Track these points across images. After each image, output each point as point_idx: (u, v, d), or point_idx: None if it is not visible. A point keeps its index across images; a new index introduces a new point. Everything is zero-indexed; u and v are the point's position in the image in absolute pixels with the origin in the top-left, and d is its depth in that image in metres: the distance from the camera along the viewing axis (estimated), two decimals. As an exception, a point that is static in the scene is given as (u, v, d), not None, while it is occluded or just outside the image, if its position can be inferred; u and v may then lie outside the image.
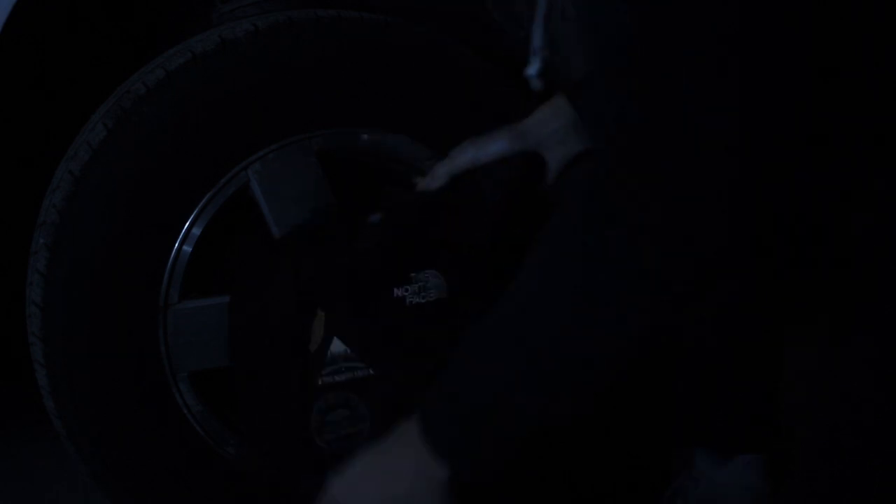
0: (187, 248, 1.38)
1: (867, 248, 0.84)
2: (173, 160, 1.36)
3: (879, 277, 0.83)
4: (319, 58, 1.41)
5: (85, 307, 1.35)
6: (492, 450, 0.92)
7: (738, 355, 1.32)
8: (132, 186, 1.35)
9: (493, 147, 1.21)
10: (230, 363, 1.40)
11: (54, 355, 1.36)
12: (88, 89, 1.57)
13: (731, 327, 1.28)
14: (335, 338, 1.32)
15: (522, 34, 1.16)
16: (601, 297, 0.81)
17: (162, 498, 1.43)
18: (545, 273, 0.86)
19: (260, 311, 1.35)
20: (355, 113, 1.44)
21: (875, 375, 0.85)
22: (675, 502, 1.42)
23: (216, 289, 1.41)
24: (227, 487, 1.45)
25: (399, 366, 1.32)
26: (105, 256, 1.35)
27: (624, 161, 0.79)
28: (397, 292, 1.31)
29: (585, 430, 1.35)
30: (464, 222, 1.37)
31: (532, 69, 1.05)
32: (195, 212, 1.38)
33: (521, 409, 0.89)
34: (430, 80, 1.46)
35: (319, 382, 1.32)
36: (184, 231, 1.38)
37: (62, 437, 1.42)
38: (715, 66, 0.74)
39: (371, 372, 1.33)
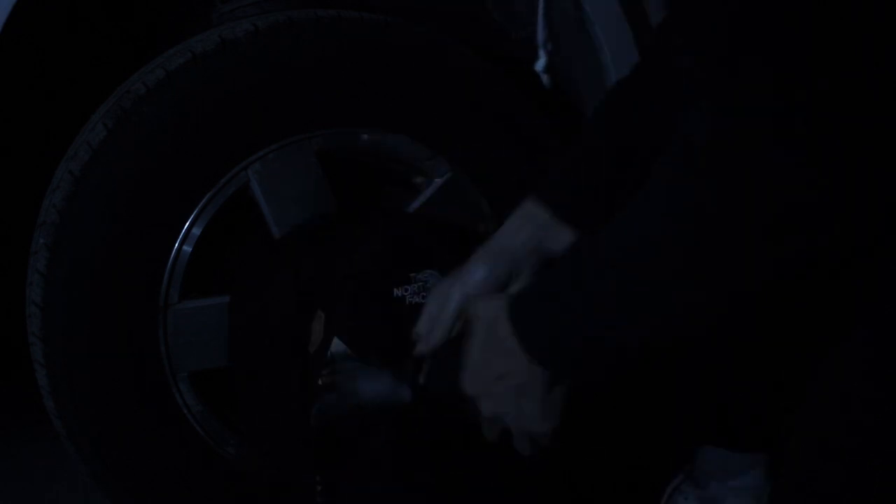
0: (187, 248, 1.38)
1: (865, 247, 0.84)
2: (173, 160, 1.36)
3: (878, 275, 0.83)
4: (319, 58, 1.41)
5: (85, 307, 1.35)
6: (589, 361, 0.92)
7: (739, 353, 1.32)
8: (132, 186, 1.35)
9: (475, 278, 1.17)
10: (230, 363, 1.40)
11: (54, 355, 1.36)
12: (88, 89, 1.57)
13: (736, 322, 1.27)
14: (335, 338, 1.32)
15: (523, 34, 1.17)
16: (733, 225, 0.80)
17: (162, 498, 1.43)
18: (670, 196, 0.83)
19: (260, 311, 1.36)
20: (355, 113, 1.44)
21: (873, 374, 0.85)
22: (676, 501, 1.42)
23: (216, 289, 1.41)
24: (227, 487, 1.45)
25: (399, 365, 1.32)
26: (105, 256, 1.35)
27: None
28: (397, 292, 1.31)
29: (585, 429, 1.35)
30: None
31: (539, 64, 1.04)
32: (195, 212, 1.38)
33: (627, 328, 0.87)
34: (430, 80, 1.46)
35: (319, 382, 1.32)
36: (184, 231, 1.38)
37: (62, 437, 1.42)
38: None
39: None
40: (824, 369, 0.90)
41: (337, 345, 1.31)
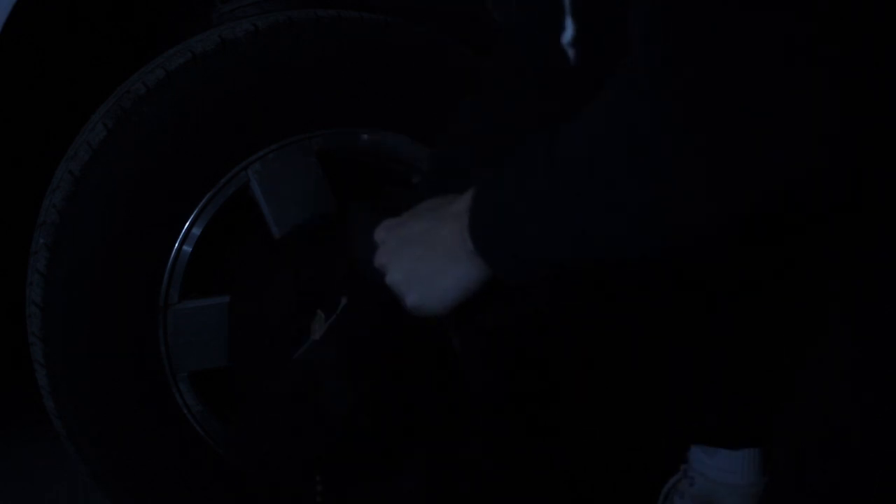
0: (187, 248, 1.39)
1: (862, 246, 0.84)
2: (173, 160, 1.36)
3: (859, 270, 0.84)
4: (319, 58, 1.41)
5: (85, 307, 1.35)
6: (534, 264, 0.89)
7: (736, 349, 1.32)
8: (132, 186, 1.35)
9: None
10: (230, 363, 1.40)
11: (54, 355, 1.36)
12: (88, 89, 1.57)
13: (728, 315, 1.28)
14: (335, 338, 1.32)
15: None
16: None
17: (162, 498, 1.43)
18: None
19: (260, 311, 1.36)
20: (355, 113, 1.44)
21: (858, 371, 0.85)
22: (673, 500, 1.42)
23: (216, 289, 1.41)
24: (227, 487, 1.45)
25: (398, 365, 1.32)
26: (105, 256, 1.35)
27: None
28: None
29: (584, 429, 1.35)
30: None
31: (567, 36, 1.00)
32: (195, 212, 1.38)
33: (581, 229, 0.84)
34: (431, 80, 1.46)
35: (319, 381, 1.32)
36: (184, 231, 1.38)
37: (62, 437, 1.42)
38: None
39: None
40: (811, 366, 0.90)
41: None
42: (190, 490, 1.44)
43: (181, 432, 1.42)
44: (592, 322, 1.29)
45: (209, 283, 1.42)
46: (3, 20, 1.42)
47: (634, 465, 1.51)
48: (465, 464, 1.28)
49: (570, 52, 0.98)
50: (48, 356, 1.36)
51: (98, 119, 1.36)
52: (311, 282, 1.33)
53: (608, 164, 0.79)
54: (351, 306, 1.22)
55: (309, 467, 1.32)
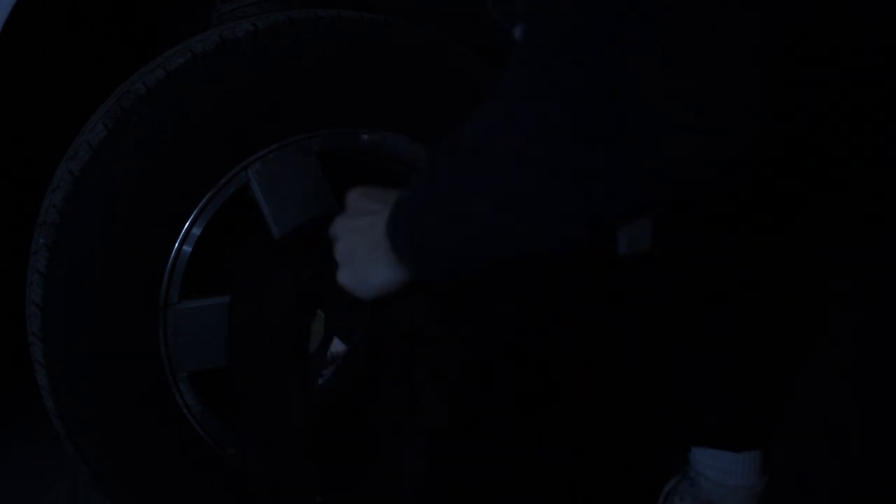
0: (187, 248, 1.39)
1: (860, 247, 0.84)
2: (173, 160, 1.36)
3: (873, 274, 0.84)
4: (319, 58, 1.41)
5: (85, 307, 1.35)
6: (446, 259, 0.93)
7: (736, 350, 1.32)
8: (132, 186, 1.35)
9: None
10: (230, 363, 1.40)
11: (54, 355, 1.36)
12: (88, 89, 1.57)
13: (728, 315, 1.28)
14: (335, 338, 1.32)
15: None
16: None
17: (162, 498, 1.43)
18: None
19: (260, 311, 1.36)
20: (355, 113, 1.44)
21: (857, 373, 0.85)
22: (673, 501, 1.42)
23: (216, 289, 1.41)
24: (227, 487, 1.45)
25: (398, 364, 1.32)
26: (105, 256, 1.35)
27: None
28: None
29: (584, 429, 1.35)
30: None
31: (518, 32, 1.03)
32: (195, 212, 1.38)
33: (491, 222, 0.84)
34: (431, 80, 1.46)
35: (320, 382, 1.32)
36: (184, 231, 1.38)
37: (62, 437, 1.42)
38: None
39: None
40: (811, 366, 0.90)
41: (337, 345, 1.31)
42: (190, 490, 1.44)
43: (181, 432, 1.42)
44: (593, 322, 1.30)
45: (209, 283, 1.42)
46: (3, 20, 1.42)
47: (635, 465, 1.51)
48: (465, 464, 1.28)
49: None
50: (48, 356, 1.36)
51: (98, 119, 1.36)
52: (311, 282, 1.33)
53: (498, 157, 0.81)
54: (363, 341, 1.23)
55: (309, 467, 1.32)
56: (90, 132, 1.36)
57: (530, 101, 0.77)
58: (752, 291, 1.26)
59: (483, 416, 1.27)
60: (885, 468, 0.84)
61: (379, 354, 1.20)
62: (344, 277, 1.11)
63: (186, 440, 1.43)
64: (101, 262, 1.35)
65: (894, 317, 0.82)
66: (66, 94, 1.70)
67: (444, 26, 1.53)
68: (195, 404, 1.42)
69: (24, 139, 1.67)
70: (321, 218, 1.42)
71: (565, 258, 1.10)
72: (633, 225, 1.18)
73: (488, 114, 0.84)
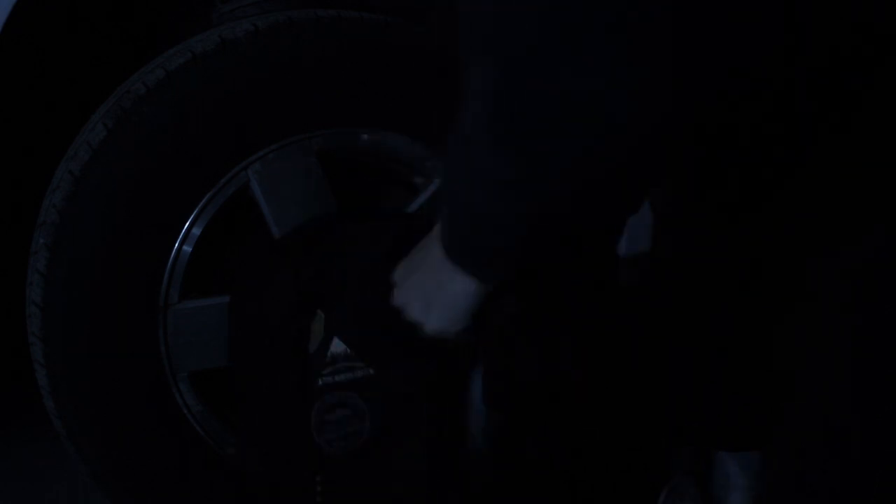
0: (187, 248, 1.39)
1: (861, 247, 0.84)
2: (173, 160, 1.36)
3: (873, 275, 0.84)
4: (319, 58, 1.41)
5: (85, 307, 1.35)
6: (503, 255, 0.97)
7: (736, 350, 1.32)
8: (132, 186, 1.35)
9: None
10: (230, 363, 1.40)
11: (54, 355, 1.36)
12: (88, 89, 1.57)
13: (728, 315, 1.28)
14: (335, 338, 1.32)
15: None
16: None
17: (162, 498, 1.43)
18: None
19: (260, 311, 1.36)
20: (355, 113, 1.44)
21: (858, 372, 0.85)
22: (674, 501, 1.42)
23: (216, 289, 1.41)
24: (227, 487, 1.45)
25: (398, 365, 1.32)
26: (105, 256, 1.35)
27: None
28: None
29: (584, 429, 1.35)
30: None
31: None
32: (195, 212, 1.38)
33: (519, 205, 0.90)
34: (431, 80, 1.46)
35: (320, 382, 1.32)
36: (184, 231, 1.38)
37: (62, 437, 1.42)
38: None
39: (371, 371, 1.33)
40: (811, 367, 0.90)
41: (337, 345, 1.31)
42: (190, 490, 1.44)
43: (181, 432, 1.42)
44: (592, 322, 1.29)
45: (209, 283, 1.42)
46: (3, 20, 1.42)
47: (635, 466, 1.51)
48: (465, 464, 1.28)
49: None
50: (48, 356, 1.36)
51: (98, 119, 1.36)
52: (311, 282, 1.33)
53: (477, 152, 0.90)
54: (377, 376, 1.25)
55: (309, 467, 1.32)
56: (90, 132, 1.36)
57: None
58: (752, 291, 1.26)
59: (483, 417, 1.27)
60: (885, 468, 0.84)
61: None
62: (431, 325, 1.10)
63: (186, 440, 1.43)
64: (101, 262, 1.35)
65: (894, 317, 0.82)
66: (66, 94, 1.70)
67: (444, 26, 1.53)
68: (195, 404, 1.42)
69: (24, 139, 1.67)
70: (321, 218, 1.42)
71: (566, 257, 1.11)
72: (633, 225, 1.18)
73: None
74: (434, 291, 1.07)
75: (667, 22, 0.72)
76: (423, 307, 1.10)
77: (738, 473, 1.37)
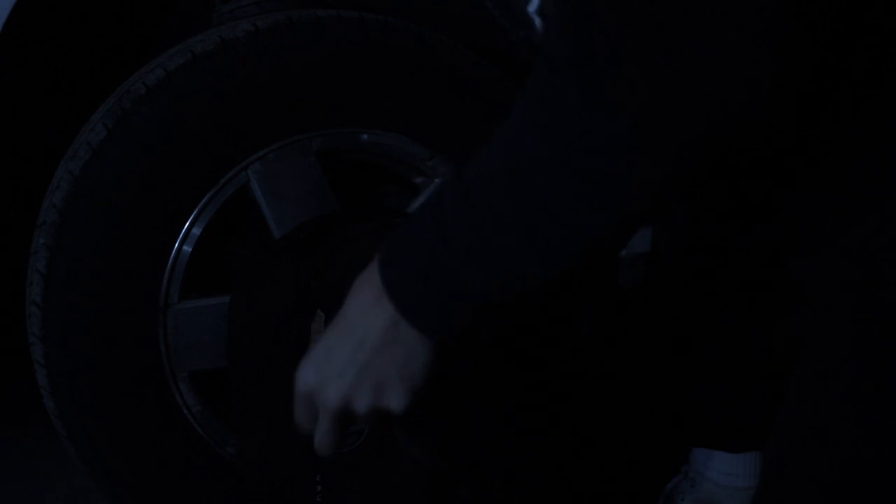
0: (187, 248, 1.38)
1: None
2: (173, 160, 1.36)
3: (872, 276, 0.84)
4: (319, 58, 1.41)
5: (85, 307, 1.35)
6: (469, 314, 0.77)
7: (737, 350, 1.32)
8: (132, 186, 1.35)
9: None
10: (230, 363, 1.40)
11: (54, 355, 1.36)
12: (88, 89, 1.57)
13: (728, 314, 1.28)
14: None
15: (522, 34, 1.16)
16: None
17: (162, 498, 1.43)
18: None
19: (260, 311, 1.35)
20: (355, 113, 1.44)
21: (849, 373, 0.85)
22: (674, 501, 1.42)
23: (216, 289, 1.41)
24: (227, 487, 1.45)
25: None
26: (105, 256, 1.35)
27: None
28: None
29: (585, 429, 1.35)
30: None
31: (533, 5, 0.97)
32: (195, 212, 1.38)
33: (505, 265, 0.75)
34: (431, 80, 1.46)
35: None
36: (184, 231, 1.38)
37: (62, 437, 1.42)
38: None
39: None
40: (803, 369, 0.90)
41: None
42: (190, 490, 1.44)
43: (181, 432, 1.42)
44: (593, 322, 1.29)
45: (209, 283, 1.42)
46: (4, 20, 1.42)
47: (636, 465, 1.51)
48: (464, 464, 1.28)
49: (537, 21, 0.97)
50: (48, 356, 1.36)
51: (98, 119, 1.36)
52: (311, 282, 1.33)
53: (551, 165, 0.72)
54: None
55: (309, 467, 1.32)
56: (90, 132, 1.36)
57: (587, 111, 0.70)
58: (752, 291, 1.26)
59: (484, 417, 1.27)
60: (877, 469, 0.84)
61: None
62: (369, 399, 0.81)
63: (186, 440, 1.42)
64: (101, 262, 1.35)
65: (887, 317, 0.82)
66: (66, 94, 1.70)
67: (445, 26, 1.53)
68: (195, 404, 1.42)
69: (24, 139, 1.67)
70: (321, 218, 1.42)
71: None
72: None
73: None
74: (383, 366, 0.81)
75: None
76: (374, 389, 0.82)
77: (736, 473, 1.37)
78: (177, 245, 1.38)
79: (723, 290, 1.28)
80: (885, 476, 0.83)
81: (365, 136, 1.46)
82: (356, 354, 0.81)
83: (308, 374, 0.85)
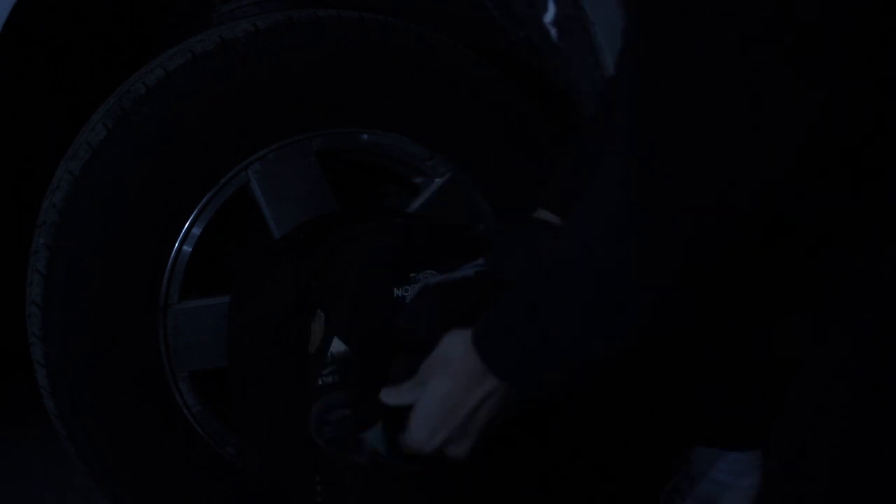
0: (187, 248, 1.39)
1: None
2: (173, 160, 1.36)
3: (871, 278, 0.84)
4: (319, 58, 1.41)
5: (85, 307, 1.35)
6: (550, 376, 0.92)
7: (737, 350, 1.32)
8: (132, 186, 1.35)
9: None
10: (230, 363, 1.40)
11: (54, 355, 1.36)
12: (88, 89, 1.57)
13: (728, 313, 1.28)
14: (335, 338, 1.32)
15: (522, 34, 1.17)
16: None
17: (162, 498, 1.43)
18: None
19: (260, 311, 1.35)
20: (355, 113, 1.44)
21: (848, 375, 0.85)
22: (674, 500, 1.42)
23: (216, 289, 1.41)
24: (227, 487, 1.45)
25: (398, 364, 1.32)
26: (105, 256, 1.35)
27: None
28: (397, 292, 1.31)
29: (586, 428, 1.35)
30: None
31: (549, 16, 1.03)
32: (195, 212, 1.38)
33: (581, 340, 0.87)
34: (430, 80, 1.46)
35: (320, 382, 1.32)
36: (184, 231, 1.38)
37: (62, 437, 1.42)
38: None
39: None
40: (804, 370, 0.91)
41: (337, 345, 1.31)
42: (190, 490, 1.44)
43: (181, 432, 1.42)
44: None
45: (209, 283, 1.42)
46: (4, 20, 1.42)
47: (636, 464, 1.51)
48: (463, 464, 1.27)
49: (553, 32, 1.01)
50: (48, 356, 1.36)
51: (98, 119, 1.36)
52: (311, 282, 1.33)
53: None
54: None
55: (309, 467, 1.32)
56: (90, 132, 1.36)
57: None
58: (754, 292, 1.26)
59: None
60: (878, 469, 0.84)
61: None
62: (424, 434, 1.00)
63: (186, 440, 1.42)
64: (101, 262, 1.35)
65: (888, 318, 0.82)
66: (66, 94, 1.70)
67: (445, 26, 1.53)
68: (195, 404, 1.42)
69: (24, 139, 1.67)
70: (321, 218, 1.42)
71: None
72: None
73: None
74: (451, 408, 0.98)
75: None
76: (433, 427, 1.00)
77: (736, 473, 1.37)
78: (177, 245, 1.38)
79: (725, 290, 1.28)
80: (885, 476, 0.84)
81: (365, 136, 1.46)
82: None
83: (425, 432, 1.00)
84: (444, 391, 0.97)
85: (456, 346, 0.97)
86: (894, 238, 0.82)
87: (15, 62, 1.54)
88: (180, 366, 1.40)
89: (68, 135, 1.43)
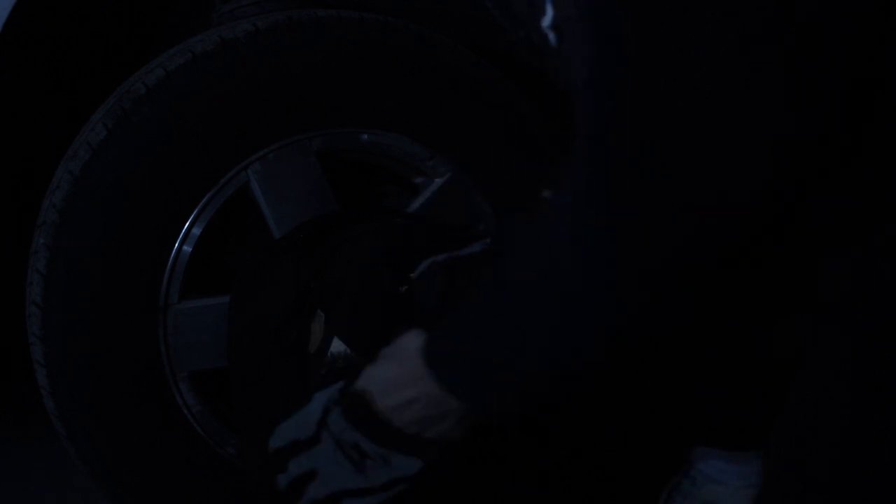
0: (187, 248, 1.39)
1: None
2: (173, 160, 1.36)
3: (870, 278, 0.84)
4: (319, 58, 1.41)
5: (85, 307, 1.35)
6: (507, 395, 0.93)
7: (737, 349, 1.32)
8: (132, 186, 1.35)
9: None
10: (230, 363, 1.40)
11: (54, 355, 1.36)
12: (88, 89, 1.57)
13: (728, 312, 1.28)
14: (335, 338, 1.32)
15: (522, 34, 1.16)
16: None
17: (162, 498, 1.43)
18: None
19: (260, 311, 1.35)
20: (355, 113, 1.44)
21: (847, 374, 0.85)
22: (674, 500, 1.42)
23: (216, 289, 1.41)
24: (227, 487, 1.45)
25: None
26: (105, 256, 1.35)
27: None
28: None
29: (585, 428, 1.35)
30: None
31: (546, 20, 1.03)
32: (195, 212, 1.38)
33: (541, 353, 0.88)
34: (430, 80, 1.46)
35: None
36: (184, 231, 1.38)
37: (62, 437, 1.42)
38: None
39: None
40: (804, 370, 0.91)
41: (337, 345, 1.31)
42: (190, 490, 1.44)
43: (181, 432, 1.42)
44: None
45: (209, 283, 1.42)
46: (4, 20, 1.43)
47: (636, 464, 1.51)
48: (463, 464, 1.28)
49: (551, 36, 1.01)
50: (48, 356, 1.36)
51: (98, 119, 1.36)
52: (311, 282, 1.33)
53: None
54: None
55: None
56: (90, 132, 1.36)
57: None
58: (753, 289, 1.26)
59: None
60: (878, 469, 0.84)
61: None
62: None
63: (186, 440, 1.43)
64: (101, 262, 1.35)
65: (887, 318, 0.83)
66: (66, 94, 1.70)
67: (444, 26, 1.53)
68: (195, 404, 1.42)
69: (24, 139, 1.67)
70: (321, 218, 1.42)
71: None
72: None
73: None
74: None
75: None
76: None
77: (736, 473, 1.37)
78: (177, 245, 1.38)
79: (726, 290, 1.28)
80: (885, 476, 0.84)
81: (365, 136, 1.46)
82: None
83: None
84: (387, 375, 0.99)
85: (411, 343, 0.97)
86: (894, 238, 0.82)
87: (15, 62, 1.54)
88: (180, 366, 1.41)
89: (68, 135, 1.43)
